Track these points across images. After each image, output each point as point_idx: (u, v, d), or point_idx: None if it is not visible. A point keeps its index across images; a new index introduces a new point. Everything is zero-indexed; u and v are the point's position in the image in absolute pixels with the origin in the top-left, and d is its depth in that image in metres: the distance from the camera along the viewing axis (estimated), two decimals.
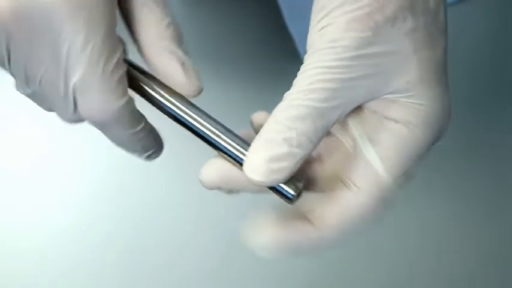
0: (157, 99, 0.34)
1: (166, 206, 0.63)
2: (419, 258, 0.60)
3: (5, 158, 0.66)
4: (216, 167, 0.34)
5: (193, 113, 0.34)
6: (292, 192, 0.32)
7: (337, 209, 0.32)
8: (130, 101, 0.33)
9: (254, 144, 0.31)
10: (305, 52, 0.31)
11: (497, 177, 0.62)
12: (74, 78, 0.32)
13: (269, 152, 0.31)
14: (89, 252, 0.62)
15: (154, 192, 0.64)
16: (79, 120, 0.35)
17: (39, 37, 0.31)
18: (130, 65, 0.34)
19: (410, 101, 0.32)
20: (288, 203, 0.33)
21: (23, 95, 0.35)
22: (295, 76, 0.32)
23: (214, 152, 0.34)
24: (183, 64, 0.33)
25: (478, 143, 0.63)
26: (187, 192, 0.64)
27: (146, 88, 0.34)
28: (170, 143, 0.63)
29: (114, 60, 0.32)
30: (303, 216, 0.33)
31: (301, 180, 0.33)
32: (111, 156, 0.66)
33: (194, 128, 0.34)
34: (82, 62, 0.31)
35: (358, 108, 0.33)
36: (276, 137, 0.31)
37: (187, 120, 0.34)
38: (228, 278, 0.60)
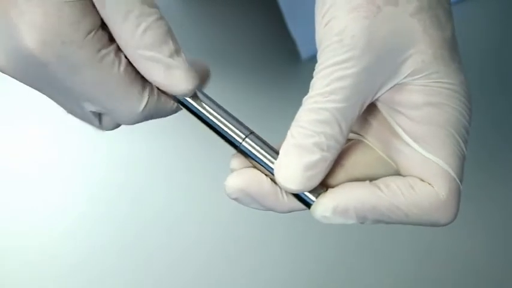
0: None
1: (169, 207, 0.63)
2: (425, 261, 0.60)
3: (5, 158, 0.66)
4: (242, 174, 0.32)
5: (217, 112, 0.33)
6: (315, 200, 0.32)
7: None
8: (152, 92, 0.32)
9: (284, 151, 0.31)
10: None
11: (503, 179, 0.62)
12: (87, 107, 0.32)
13: (303, 159, 0.30)
14: (90, 253, 0.62)
15: (157, 193, 0.64)
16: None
17: (42, 80, 0.31)
18: None
19: (430, 80, 0.31)
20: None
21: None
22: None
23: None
24: (167, 67, 0.31)
25: (480, 142, 0.63)
26: (191, 194, 0.64)
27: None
28: (174, 143, 0.64)
29: (115, 67, 0.30)
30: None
31: (324, 188, 0.32)
32: (112, 157, 0.66)
33: (220, 130, 0.33)
34: (86, 91, 0.31)
35: (374, 108, 0.33)
36: (306, 142, 0.30)
37: (209, 118, 0.33)
38: (231, 280, 0.60)
